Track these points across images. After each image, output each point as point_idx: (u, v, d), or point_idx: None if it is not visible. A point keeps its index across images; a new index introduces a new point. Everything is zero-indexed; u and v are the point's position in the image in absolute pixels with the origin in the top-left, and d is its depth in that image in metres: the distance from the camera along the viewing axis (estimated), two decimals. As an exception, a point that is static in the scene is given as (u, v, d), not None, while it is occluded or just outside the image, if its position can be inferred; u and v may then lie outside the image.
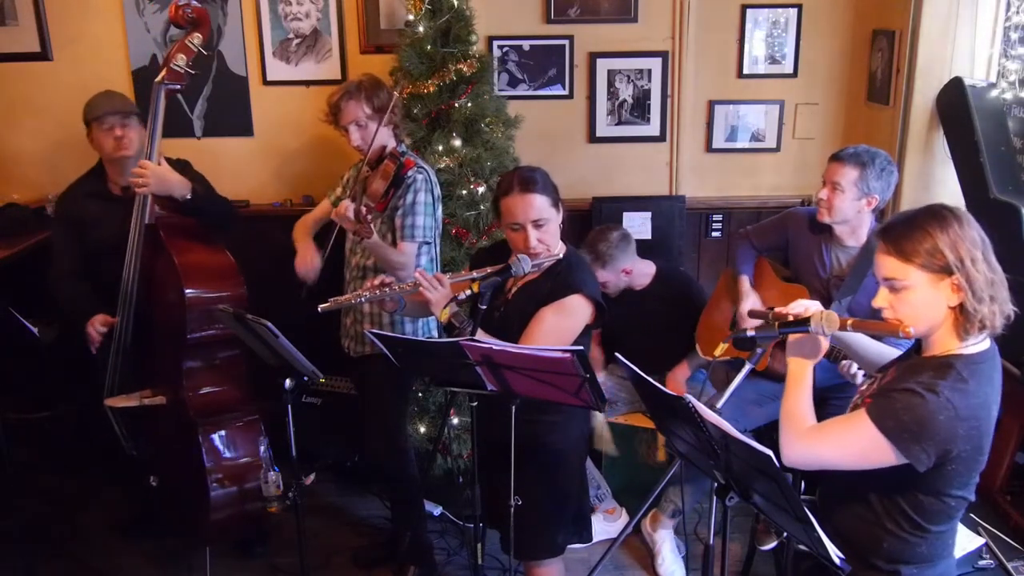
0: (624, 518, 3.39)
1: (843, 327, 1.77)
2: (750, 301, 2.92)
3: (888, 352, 1.97)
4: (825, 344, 1.85)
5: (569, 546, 2.50)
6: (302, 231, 3.06)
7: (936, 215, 1.68)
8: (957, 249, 1.63)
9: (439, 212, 2.91)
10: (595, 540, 3.23)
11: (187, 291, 2.77)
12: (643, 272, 3.47)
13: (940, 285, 1.66)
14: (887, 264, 1.70)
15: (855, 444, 1.69)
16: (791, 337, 1.86)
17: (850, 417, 1.73)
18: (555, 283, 2.25)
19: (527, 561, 2.48)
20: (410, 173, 2.75)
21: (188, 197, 2.81)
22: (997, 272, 1.68)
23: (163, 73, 2.82)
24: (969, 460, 1.68)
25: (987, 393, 1.68)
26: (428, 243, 2.83)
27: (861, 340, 1.99)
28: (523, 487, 2.22)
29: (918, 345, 1.81)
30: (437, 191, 2.87)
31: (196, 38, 2.83)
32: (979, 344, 1.70)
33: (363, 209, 2.53)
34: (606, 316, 2.29)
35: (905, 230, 1.68)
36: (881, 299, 1.73)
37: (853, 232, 2.75)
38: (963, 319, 1.66)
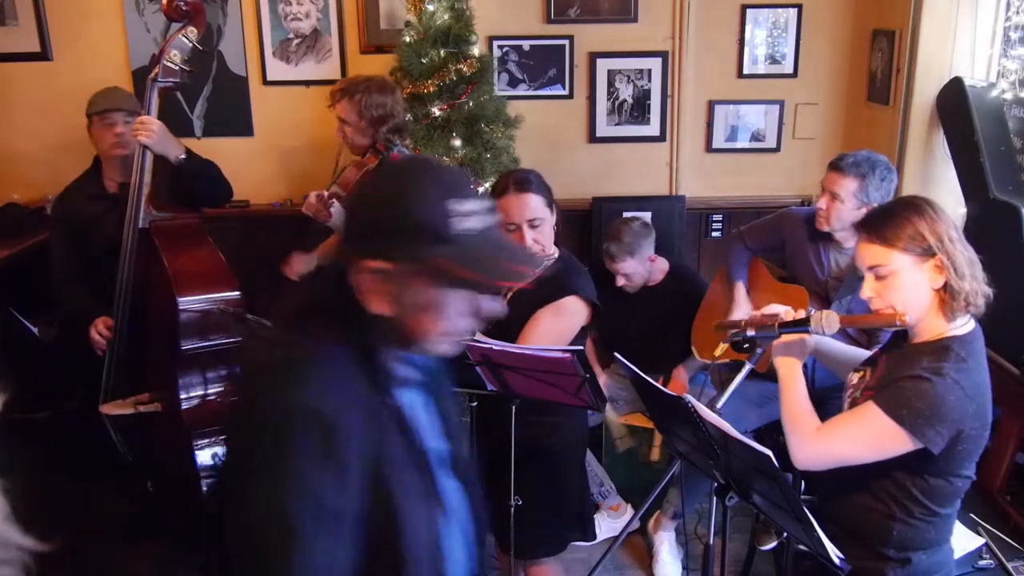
0: (629, 514, 3.39)
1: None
2: (741, 313, 2.91)
3: (858, 353, 2.02)
4: (812, 344, 1.88)
5: (571, 544, 2.49)
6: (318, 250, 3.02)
7: (911, 204, 1.76)
8: (936, 231, 1.70)
9: None
10: (600, 538, 3.24)
11: (179, 298, 2.73)
12: (658, 268, 3.48)
13: (923, 267, 1.71)
14: (870, 252, 1.75)
15: (869, 437, 1.71)
16: (782, 339, 1.87)
17: (858, 411, 1.75)
18: (551, 285, 2.25)
19: (526, 560, 2.49)
20: None
21: (183, 157, 2.80)
22: (971, 252, 1.75)
23: (156, 69, 2.76)
24: (977, 438, 1.73)
25: (984, 369, 1.74)
26: None
27: (831, 344, 2.02)
28: (523, 488, 2.23)
29: (902, 334, 1.82)
30: None
31: (191, 32, 2.77)
32: (966, 325, 1.75)
33: (326, 192, 2.53)
34: (602, 318, 2.30)
35: (885, 218, 1.74)
36: (868, 289, 1.77)
37: (853, 235, 2.74)
38: (948, 297, 1.71)
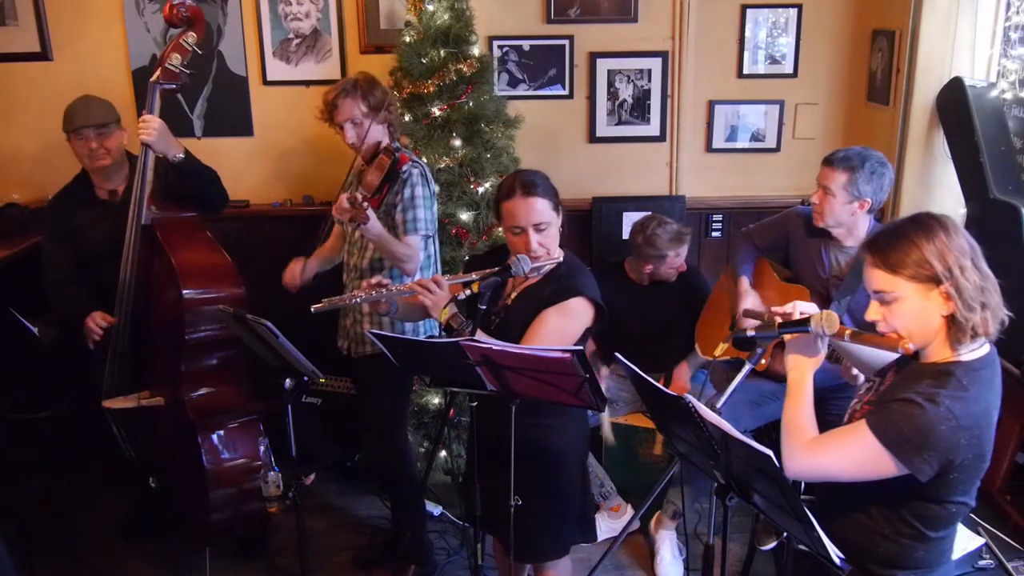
0: (629, 514, 3.40)
1: (840, 337, 1.76)
2: (750, 300, 2.92)
3: (884, 354, 1.95)
4: (824, 347, 1.85)
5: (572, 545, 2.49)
6: (314, 255, 3.03)
7: (921, 224, 1.66)
8: (945, 258, 1.62)
9: (435, 206, 2.91)
10: (600, 538, 3.24)
11: (185, 292, 2.76)
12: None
13: (930, 295, 1.64)
14: (876, 277, 1.69)
15: (856, 456, 1.67)
16: (790, 338, 1.85)
17: (850, 428, 1.72)
18: (556, 286, 2.24)
19: (534, 563, 2.48)
20: (405, 168, 2.74)
21: (181, 156, 2.83)
22: (988, 278, 1.66)
23: (158, 72, 2.81)
24: (972, 468, 1.67)
25: (988, 399, 1.67)
26: (430, 236, 2.83)
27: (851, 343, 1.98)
28: (524, 490, 2.22)
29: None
30: (433, 186, 2.87)
31: (191, 37, 2.82)
32: (978, 350, 1.69)
33: (358, 196, 2.53)
34: (606, 319, 2.29)
35: (891, 241, 1.67)
36: (873, 312, 1.72)
37: (851, 233, 2.75)
38: (955, 328, 1.65)
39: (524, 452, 2.18)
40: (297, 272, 2.93)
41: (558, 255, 2.28)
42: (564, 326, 2.21)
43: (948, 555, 1.83)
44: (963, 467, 1.65)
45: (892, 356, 1.91)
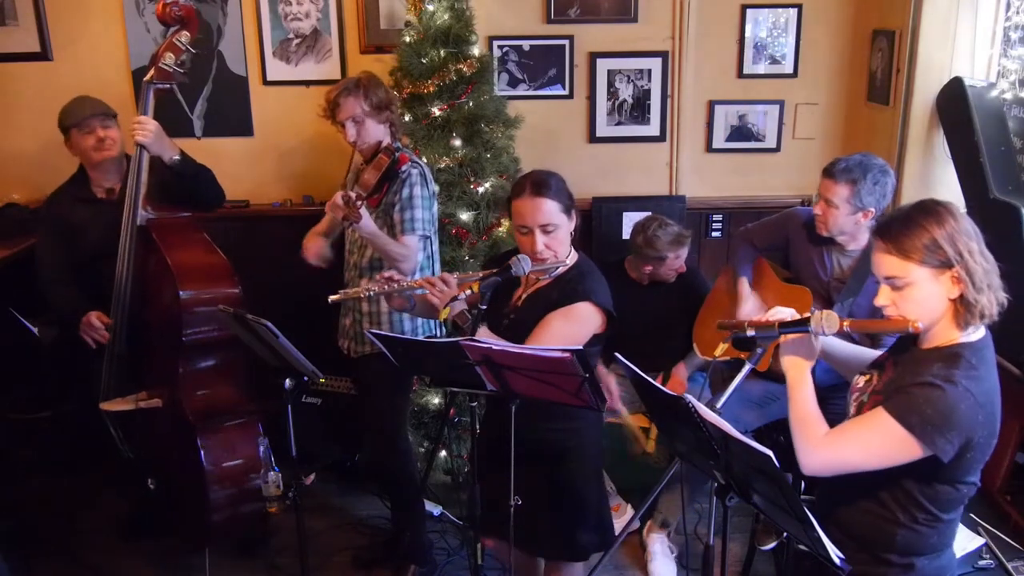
0: (629, 513, 3.39)
1: (840, 330, 1.77)
2: (749, 305, 2.91)
3: (865, 354, 1.99)
4: (819, 345, 1.86)
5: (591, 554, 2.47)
6: (311, 233, 3.01)
7: (930, 211, 1.70)
8: (955, 242, 1.66)
9: (435, 207, 2.90)
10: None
11: (181, 293, 2.76)
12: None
13: (941, 279, 1.68)
14: (887, 263, 1.71)
15: (879, 444, 1.69)
16: (787, 338, 1.86)
17: (867, 418, 1.73)
18: (564, 290, 2.23)
19: (548, 559, 2.49)
20: (405, 168, 2.74)
21: (177, 158, 2.84)
22: (990, 261, 1.71)
23: (151, 72, 2.82)
24: (985, 446, 1.71)
25: (994, 377, 1.72)
26: (428, 237, 2.83)
27: (837, 344, 1.99)
28: (537, 493, 2.22)
29: (911, 337, 1.81)
30: (433, 186, 2.87)
31: (184, 36, 2.83)
32: (977, 332, 1.73)
33: (352, 195, 2.54)
34: (617, 326, 2.27)
35: (902, 228, 1.70)
36: (883, 297, 1.75)
37: (853, 238, 2.74)
38: (963, 310, 1.69)
39: (537, 454, 2.17)
40: (323, 248, 2.88)
41: (570, 258, 2.27)
42: (568, 330, 2.19)
43: (954, 536, 1.87)
44: (979, 445, 1.68)
45: (873, 356, 1.95)
